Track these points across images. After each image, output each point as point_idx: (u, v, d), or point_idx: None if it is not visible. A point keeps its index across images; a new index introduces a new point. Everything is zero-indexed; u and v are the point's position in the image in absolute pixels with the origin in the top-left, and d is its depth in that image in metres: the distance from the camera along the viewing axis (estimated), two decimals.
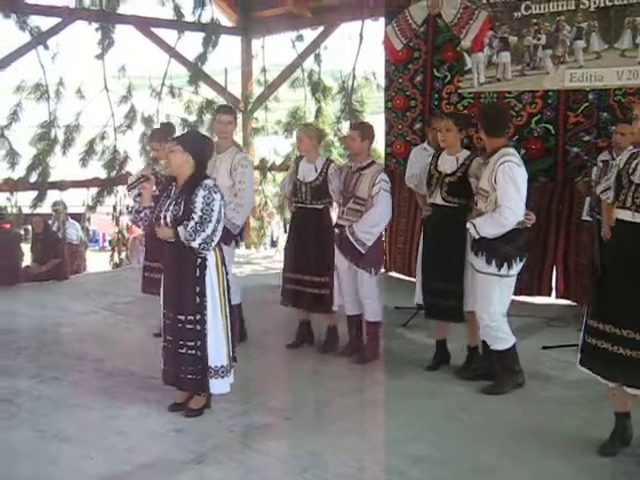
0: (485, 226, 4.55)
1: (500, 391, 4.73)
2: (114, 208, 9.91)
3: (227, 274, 4.42)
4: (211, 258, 4.27)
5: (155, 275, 5.68)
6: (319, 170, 5.46)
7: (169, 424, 4.26)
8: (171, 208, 4.24)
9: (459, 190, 4.95)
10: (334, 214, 5.71)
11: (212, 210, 4.17)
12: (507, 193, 4.47)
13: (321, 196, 5.48)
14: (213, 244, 4.22)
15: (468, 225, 4.62)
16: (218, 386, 4.34)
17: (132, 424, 4.28)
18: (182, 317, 4.27)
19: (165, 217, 4.26)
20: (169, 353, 4.40)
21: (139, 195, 4.74)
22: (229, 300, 4.40)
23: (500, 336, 4.72)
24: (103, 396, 4.71)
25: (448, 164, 5.02)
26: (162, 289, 4.44)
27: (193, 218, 4.13)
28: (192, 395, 4.42)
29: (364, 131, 5.40)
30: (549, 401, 4.62)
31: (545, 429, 4.17)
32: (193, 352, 4.26)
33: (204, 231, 4.14)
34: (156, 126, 9.50)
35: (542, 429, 4.17)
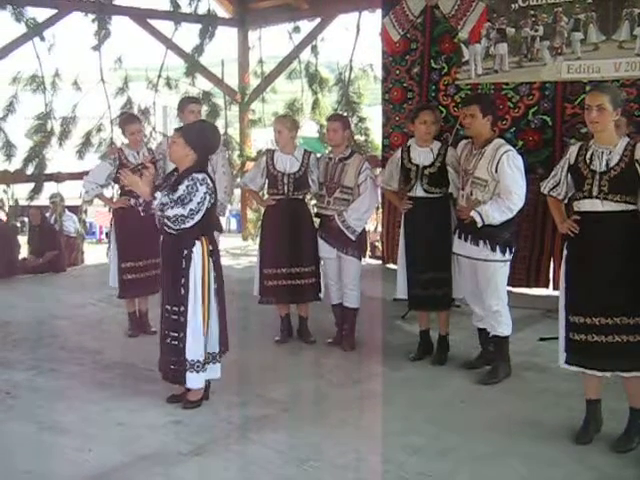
0: (493, 213, 4.58)
1: (495, 380, 4.78)
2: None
3: (215, 265, 4.38)
4: (197, 250, 4.27)
5: (136, 276, 5.76)
6: (301, 161, 5.49)
7: (167, 416, 4.27)
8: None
9: (440, 180, 5.03)
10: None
11: (191, 200, 4.16)
12: (515, 180, 4.55)
13: (302, 187, 5.53)
14: (184, 225, 4.18)
15: (472, 214, 4.62)
16: (193, 380, 4.32)
17: (130, 416, 4.28)
18: (168, 307, 4.35)
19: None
20: (160, 342, 4.47)
21: None
22: (217, 293, 4.38)
23: (506, 321, 4.80)
24: (101, 388, 4.73)
25: (423, 156, 5.06)
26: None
27: (173, 196, 4.15)
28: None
29: (345, 122, 5.50)
30: (546, 392, 4.63)
31: (542, 420, 4.19)
32: (175, 343, 4.31)
33: (181, 208, 4.13)
34: (152, 117, 9.52)
35: (539, 420, 4.19)
